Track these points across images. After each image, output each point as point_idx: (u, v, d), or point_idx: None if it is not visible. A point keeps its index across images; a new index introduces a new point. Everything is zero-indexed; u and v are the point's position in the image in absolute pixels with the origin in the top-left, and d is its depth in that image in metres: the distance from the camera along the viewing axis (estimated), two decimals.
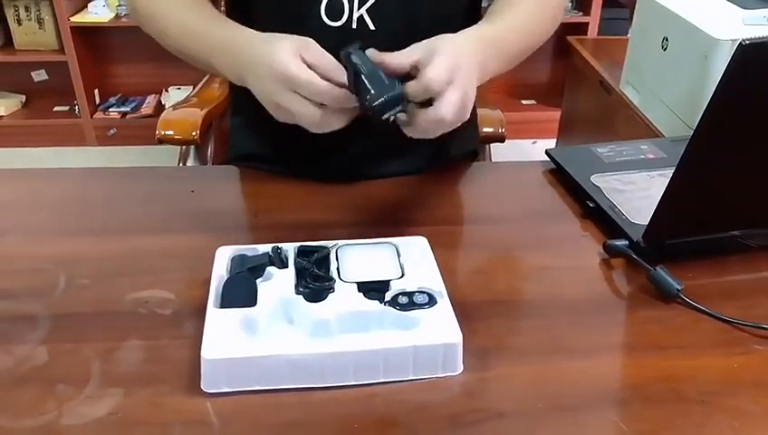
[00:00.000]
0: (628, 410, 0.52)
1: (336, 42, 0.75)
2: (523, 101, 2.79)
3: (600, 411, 0.52)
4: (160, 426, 0.50)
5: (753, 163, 0.62)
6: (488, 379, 0.54)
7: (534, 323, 0.60)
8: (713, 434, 0.50)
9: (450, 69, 0.59)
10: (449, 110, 0.58)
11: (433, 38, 0.63)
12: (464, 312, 0.57)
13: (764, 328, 0.59)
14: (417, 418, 0.51)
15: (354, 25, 0.74)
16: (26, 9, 2.45)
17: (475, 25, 0.70)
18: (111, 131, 2.64)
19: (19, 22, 2.48)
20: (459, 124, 0.61)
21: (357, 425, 0.50)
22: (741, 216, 0.67)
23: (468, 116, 0.61)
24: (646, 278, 0.64)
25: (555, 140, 2.02)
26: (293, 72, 0.58)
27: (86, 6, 2.48)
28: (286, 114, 0.61)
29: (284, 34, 0.63)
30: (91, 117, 2.62)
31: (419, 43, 0.62)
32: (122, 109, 2.65)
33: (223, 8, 0.91)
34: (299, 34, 0.74)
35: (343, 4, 0.74)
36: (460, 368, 0.54)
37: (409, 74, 0.61)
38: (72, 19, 2.42)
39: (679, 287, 0.62)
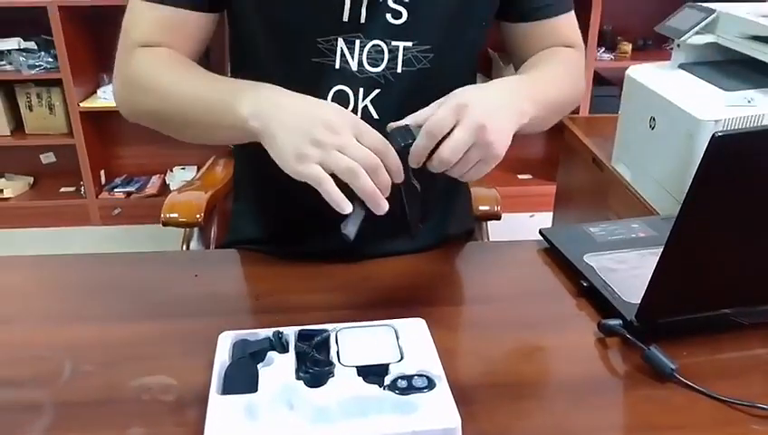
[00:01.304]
0: None
1: None
2: (520, 176, 2.85)
3: None
4: None
5: (739, 243, 0.64)
6: None
7: (533, 406, 0.61)
8: None
9: (454, 110, 0.63)
10: (451, 148, 0.62)
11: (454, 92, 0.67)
12: (462, 395, 0.58)
13: (761, 407, 0.60)
14: None
15: (359, 115, 0.79)
16: (38, 96, 2.55)
17: (504, 78, 0.74)
18: (116, 211, 2.68)
19: (30, 108, 2.57)
20: (494, 161, 0.64)
21: None
22: (731, 294, 0.69)
23: (502, 153, 0.64)
24: (641, 358, 0.65)
25: (552, 214, 2.06)
26: (348, 136, 0.60)
27: (95, 92, 2.58)
28: (312, 167, 0.59)
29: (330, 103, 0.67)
30: (97, 197, 2.68)
31: (440, 99, 0.66)
32: (127, 189, 2.71)
33: None
34: None
35: (349, 95, 0.78)
36: None
37: None
38: (81, 104, 2.51)
39: (674, 367, 0.63)
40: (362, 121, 0.62)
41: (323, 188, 0.59)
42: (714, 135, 0.53)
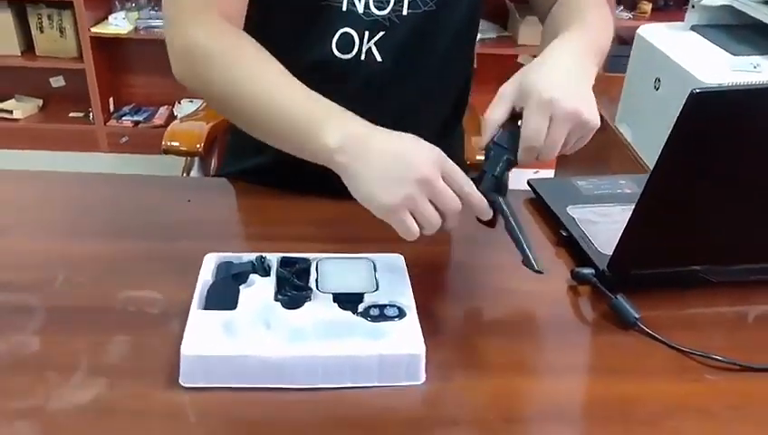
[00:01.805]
0: (574, 427, 0.56)
1: (344, 71, 0.80)
2: None
3: (549, 425, 0.55)
4: (139, 415, 0.53)
5: (712, 202, 0.66)
6: (448, 389, 0.57)
7: (498, 341, 0.64)
8: None
9: (544, 112, 0.60)
10: (552, 148, 0.61)
11: (519, 75, 0.62)
12: (432, 326, 0.61)
13: (715, 358, 0.62)
14: (378, 421, 0.54)
15: (363, 57, 0.79)
16: (49, 18, 2.54)
17: (557, 41, 0.68)
18: (124, 139, 2.71)
19: (41, 29, 2.56)
20: (592, 133, 0.64)
21: (321, 424, 0.54)
22: (702, 252, 0.71)
23: (598, 121, 0.63)
24: (607, 306, 0.68)
25: (554, 172, 2.06)
26: (452, 163, 0.59)
27: (107, 18, 2.57)
28: (404, 216, 0.58)
29: (413, 137, 0.61)
30: (105, 124, 2.69)
31: (507, 87, 0.63)
32: (135, 118, 2.72)
33: None
34: (309, 65, 0.77)
35: (354, 38, 0.78)
36: (423, 378, 0.57)
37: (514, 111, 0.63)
38: (92, 29, 2.50)
39: (637, 316, 0.66)
40: (448, 161, 0.59)
41: (408, 235, 0.59)
42: (692, 91, 0.54)
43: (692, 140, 0.58)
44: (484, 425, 0.54)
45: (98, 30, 2.52)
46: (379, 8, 0.77)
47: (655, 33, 1.36)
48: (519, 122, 0.62)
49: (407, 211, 0.58)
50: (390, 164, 0.58)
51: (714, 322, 0.69)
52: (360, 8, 0.77)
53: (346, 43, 0.79)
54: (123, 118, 2.72)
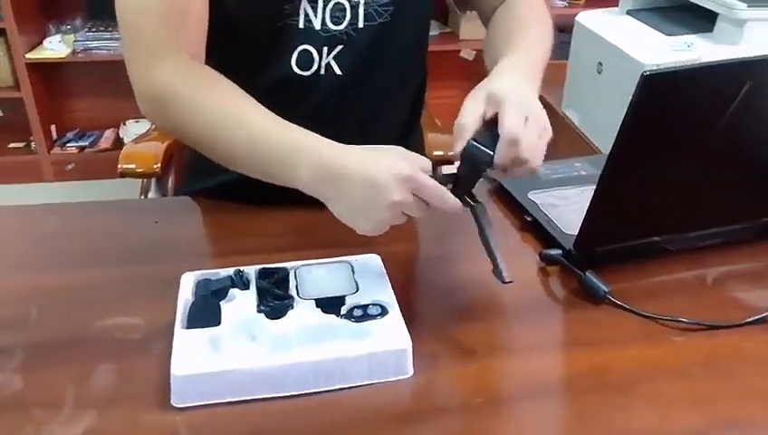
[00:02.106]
0: (558, 399, 0.59)
1: (305, 88, 0.81)
2: None
3: (533, 401, 0.58)
4: None
5: (667, 176, 0.69)
6: (436, 379, 0.59)
7: (478, 327, 0.66)
8: (633, 416, 0.56)
9: (522, 114, 0.61)
10: (534, 151, 0.63)
11: (484, 87, 0.64)
12: (414, 320, 0.63)
13: (681, 321, 0.66)
14: (373, 418, 0.56)
15: (323, 72, 0.80)
16: None
17: (505, 60, 0.70)
18: (70, 166, 2.63)
19: None
20: (550, 133, 0.66)
21: (317, 429, 0.55)
22: (660, 223, 0.75)
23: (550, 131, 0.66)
24: (577, 283, 0.71)
25: None
26: (422, 176, 0.59)
27: (41, 42, 2.49)
28: (394, 215, 0.60)
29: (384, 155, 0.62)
30: (49, 152, 2.61)
31: (474, 97, 0.63)
32: (80, 143, 2.65)
33: None
34: (269, 84, 0.78)
35: (312, 54, 0.79)
36: (411, 371, 0.59)
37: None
38: (27, 56, 2.42)
39: (606, 290, 0.69)
40: (418, 178, 0.59)
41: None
42: (643, 73, 0.57)
43: (646, 120, 0.61)
44: (474, 409, 0.56)
45: (33, 55, 2.44)
46: (335, 23, 0.78)
47: (593, 20, 1.41)
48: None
49: (387, 227, 0.62)
50: (360, 193, 0.60)
51: (676, 287, 0.73)
52: (317, 24, 0.78)
53: (305, 60, 0.80)
54: (67, 145, 2.65)
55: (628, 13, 1.37)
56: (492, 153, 0.61)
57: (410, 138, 0.99)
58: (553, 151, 1.83)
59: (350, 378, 0.58)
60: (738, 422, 0.56)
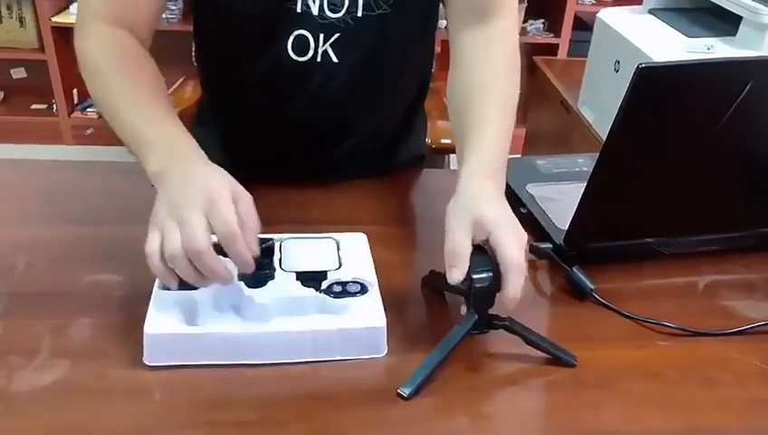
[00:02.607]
0: (530, 392, 0.58)
1: (301, 73, 0.80)
2: None
3: (505, 393, 0.57)
4: (102, 394, 0.54)
5: (662, 175, 0.68)
6: (411, 362, 0.58)
7: (459, 314, 0.65)
8: (604, 413, 0.56)
9: (515, 237, 0.59)
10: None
11: (467, 211, 0.60)
12: (395, 301, 0.63)
13: (666, 325, 0.65)
14: (341, 393, 0.56)
15: (319, 59, 0.80)
16: (8, 8, 2.48)
17: (476, 164, 0.68)
18: (89, 131, 2.66)
19: (0, 20, 2.50)
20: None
21: (286, 399, 0.55)
22: (655, 224, 0.74)
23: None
24: (564, 278, 0.70)
25: (520, 156, 2.09)
26: (223, 203, 0.56)
27: (68, 7, 2.51)
28: (169, 229, 0.56)
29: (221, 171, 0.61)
30: (69, 116, 2.64)
31: (459, 218, 0.60)
32: None
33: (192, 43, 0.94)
34: (266, 68, 0.78)
35: (309, 40, 0.79)
36: (384, 350, 0.59)
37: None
38: (53, 19, 2.45)
39: (592, 287, 0.68)
40: (221, 200, 0.57)
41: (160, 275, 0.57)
42: (639, 66, 0.56)
43: (641, 115, 0.60)
44: (446, 393, 0.56)
45: (59, 19, 2.46)
46: (333, 11, 0.78)
47: (614, 17, 1.38)
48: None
49: (158, 227, 0.57)
50: (182, 194, 0.58)
51: (666, 291, 0.72)
52: (315, 10, 0.77)
53: (302, 46, 0.79)
54: (88, 109, 2.68)
55: (651, 12, 1.34)
56: (494, 284, 0.58)
57: (414, 122, 0.98)
58: (567, 149, 1.81)
59: (322, 352, 0.58)
60: (709, 431, 0.55)
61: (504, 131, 0.73)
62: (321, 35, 0.79)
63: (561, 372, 0.59)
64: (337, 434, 0.53)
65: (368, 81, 0.84)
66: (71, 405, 0.53)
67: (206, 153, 0.91)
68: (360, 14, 0.78)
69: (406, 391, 0.55)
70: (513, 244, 0.58)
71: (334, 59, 0.80)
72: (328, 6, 0.77)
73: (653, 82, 0.58)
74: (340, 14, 0.78)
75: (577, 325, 0.66)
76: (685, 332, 0.64)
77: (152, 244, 0.57)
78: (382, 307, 0.60)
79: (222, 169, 0.61)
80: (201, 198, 0.56)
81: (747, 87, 0.58)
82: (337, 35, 0.79)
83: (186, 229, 0.55)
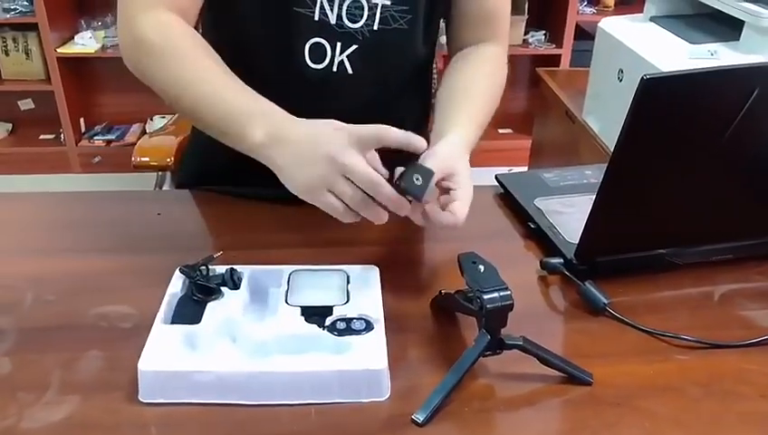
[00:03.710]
0: (549, 413, 0.57)
1: (317, 81, 0.80)
2: (500, 130, 2.86)
3: (521, 414, 0.56)
4: (110, 431, 0.53)
5: (672, 185, 0.67)
6: (415, 403, 0.55)
7: (472, 335, 0.64)
8: (623, 432, 0.54)
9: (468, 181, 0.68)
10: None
11: (437, 154, 0.67)
12: (403, 324, 0.62)
13: (684, 338, 0.64)
14: (352, 423, 0.54)
15: (335, 69, 0.80)
16: (14, 40, 2.51)
17: (453, 133, 0.73)
18: (96, 159, 2.68)
19: (6, 53, 2.53)
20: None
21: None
22: (666, 236, 0.73)
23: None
24: (577, 293, 0.69)
25: (526, 169, 2.09)
26: (350, 158, 0.60)
27: (72, 38, 2.55)
28: (323, 195, 0.61)
29: (328, 121, 0.64)
30: (77, 145, 2.67)
31: (434, 154, 0.67)
32: (107, 137, 2.70)
33: None
34: (283, 75, 0.78)
35: (326, 48, 0.79)
36: (387, 394, 0.56)
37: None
38: (58, 50, 2.48)
39: (606, 301, 0.67)
40: (360, 130, 0.62)
41: (339, 215, 0.62)
42: (643, 77, 0.55)
43: (647, 126, 0.59)
44: (462, 419, 0.55)
45: (64, 50, 2.50)
46: (351, 21, 0.78)
47: (615, 26, 1.38)
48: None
49: (324, 190, 0.61)
50: (302, 148, 0.62)
51: (681, 303, 0.71)
52: (333, 19, 0.78)
53: (318, 54, 0.79)
54: (95, 138, 2.70)
55: (652, 20, 1.34)
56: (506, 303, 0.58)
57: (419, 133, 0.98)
58: (573, 159, 1.81)
59: (321, 394, 0.55)
60: None
61: (484, 119, 0.80)
62: (339, 44, 0.79)
63: (578, 391, 0.58)
64: None
65: (379, 92, 0.85)
66: None
67: (198, 168, 0.92)
68: (376, 26, 0.79)
69: (420, 417, 0.54)
70: (468, 181, 0.68)
71: (350, 70, 0.80)
72: (347, 16, 0.78)
73: (658, 93, 0.57)
74: (358, 25, 0.78)
75: (592, 341, 0.64)
76: (703, 344, 0.63)
77: (332, 201, 0.61)
78: (385, 348, 0.57)
79: (328, 120, 0.64)
80: (338, 138, 0.60)
81: (754, 94, 0.58)
82: (354, 47, 0.79)
83: (354, 174, 0.60)
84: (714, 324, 0.67)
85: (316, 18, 0.77)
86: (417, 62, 0.88)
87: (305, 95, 0.80)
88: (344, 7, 0.77)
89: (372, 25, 0.79)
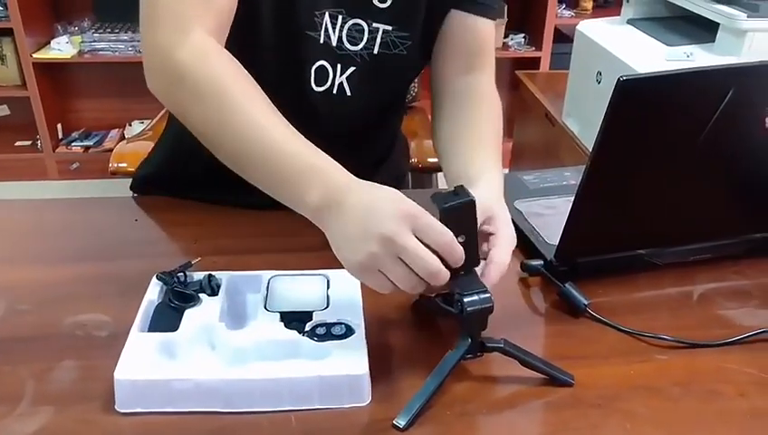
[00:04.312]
0: (531, 414, 0.57)
1: (318, 103, 0.80)
2: None
3: (502, 417, 0.56)
4: None
5: (650, 187, 0.68)
6: (397, 408, 0.54)
7: (453, 340, 0.64)
8: (605, 433, 0.54)
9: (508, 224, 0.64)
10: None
11: (481, 203, 0.59)
12: (383, 341, 0.61)
13: (664, 338, 0.64)
14: (332, 429, 0.54)
15: (335, 91, 0.80)
16: None
17: (485, 179, 0.69)
18: (74, 165, 2.65)
19: None
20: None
21: None
22: (645, 236, 0.73)
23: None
24: (557, 295, 0.69)
25: (507, 171, 2.09)
26: (427, 215, 0.55)
27: (49, 43, 2.51)
28: (374, 276, 0.55)
29: (388, 191, 0.57)
30: (54, 151, 2.63)
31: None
32: (85, 143, 2.67)
33: None
34: (289, 96, 0.73)
35: (328, 70, 0.79)
36: (367, 399, 0.56)
37: None
38: (34, 55, 2.45)
39: (586, 302, 0.67)
40: (422, 215, 0.55)
41: (385, 291, 0.57)
42: (620, 78, 0.55)
43: (624, 127, 0.60)
44: (443, 423, 0.54)
45: (40, 56, 2.46)
46: (351, 43, 0.78)
47: (593, 29, 1.39)
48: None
49: (375, 269, 0.55)
50: (357, 221, 0.55)
51: (661, 303, 0.71)
52: (334, 41, 0.77)
53: (322, 76, 0.79)
54: (72, 144, 2.67)
55: (629, 22, 1.35)
56: (486, 306, 0.57)
57: (397, 143, 0.99)
58: (554, 161, 1.82)
59: (300, 400, 0.55)
60: None
61: (495, 140, 0.78)
62: (339, 66, 0.79)
63: (559, 393, 0.58)
64: None
65: (373, 113, 0.86)
66: None
67: (184, 175, 0.89)
68: (376, 51, 0.79)
69: (401, 422, 0.53)
70: (509, 231, 0.63)
71: (348, 92, 0.80)
72: (347, 38, 0.77)
73: (634, 94, 0.57)
74: (357, 48, 0.78)
75: (573, 343, 0.64)
76: (682, 344, 0.64)
77: (383, 283, 0.55)
78: (366, 352, 0.57)
79: (390, 188, 0.58)
80: (398, 218, 0.54)
81: (729, 94, 0.58)
82: (352, 69, 0.79)
83: (413, 259, 0.54)
84: (693, 324, 0.67)
85: (321, 41, 0.77)
86: (408, 84, 0.91)
87: (304, 117, 0.80)
88: (345, 30, 0.77)
89: (372, 49, 0.79)
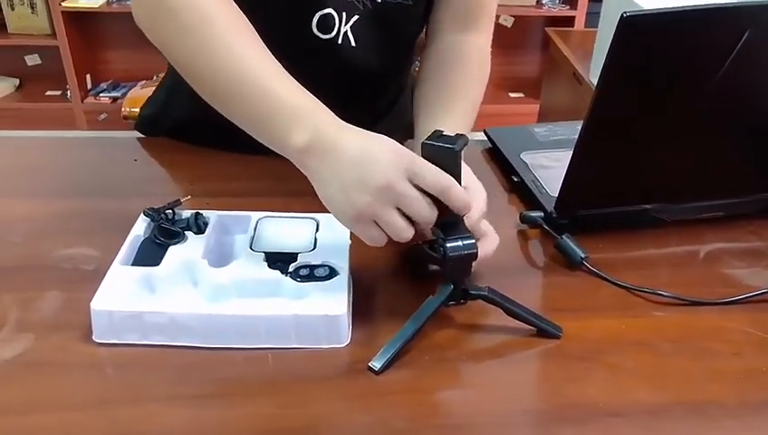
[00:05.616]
0: (512, 365, 0.55)
1: (322, 51, 0.77)
2: (511, 94, 2.80)
3: (481, 365, 0.54)
4: (64, 368, 0.52)
5: (657, 136, 0.64)
6: (374, 351, 0.53)
7: None
8: (589, 386, 0.52)
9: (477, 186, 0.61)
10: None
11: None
12: (369, 286, 0.60)
13: (662, 294, 0.61)
14: (309, 368, 0.53)
15: (340, 41, 0.77)
16: None
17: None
18: (102, 116, 2.67)
19: (12, 7, 2.51)
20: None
21: (237, 384, 0.52)
22: (652, 190, 0.69)
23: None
24: (555, 247, 0.66)
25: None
26: (408, 189, 0.52)
27: None
28: (368, 226, 0.54)
29: (384, 139, 0.55)
30: (82, 102, 2.66)
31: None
32: (113, 94, 2.69)
33: None
34: (292, 45, 0.71)
35: (334, 18, 0.76)
36: (345, 341, 0.55)
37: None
38: (63, 4, 2.45)
39: (583, 256, 0.64)
40: (417, 162, 0.53)
41: (375, 244, 0.55)
42: (623, 15, 0.52)
43: (628, 70, 0.56)
44: (420, 368, 0.53)
45: (69, 4, 2.47)
46: None
47: None
48: None
49: (369, 221, 0.53)
50: (351, 168, 0.53)
51: (663, 260, 0.68)
52: None
53: (326, 24, 0.76)
54: (101, 94, 2.69)
55: None
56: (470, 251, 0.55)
57: (404, 96, 0.96)
58: (576, 119, 1.75)
59: (277, 339, 0.54)
60: (701, 404, 0.51)
61: (472, 107, 0.76)
62: (344, 14, 0.76)
63: (546, 344, 0.56)
64: (307, 406, 0.50)
65: (377, 65, 0.82)
66: (31, 378, 0.51)
67: (179, 115, 0.87)
68: None
69: (376, 365, 0.52)
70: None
71: (352, 42, 0.77)
72: None
73: (639, 33, 0.54)
74: None
75: (564, 295, 0.62)
76: (681, 301, 0.61)
77: (376, 234, 0.54)
78: (346, 294, 0.56)
79: (381, 135, 0.55)
80: (394, 165, 0.52)
81: (745, 35, 0.54)
82: (356, 17, 0.76)
83: (409, 206, 0.52)
84: (695, 282, 0.64)
85: None
86: (415, 33, 0.86)
87: (306, 66, 0.77)
88: None
89: None
